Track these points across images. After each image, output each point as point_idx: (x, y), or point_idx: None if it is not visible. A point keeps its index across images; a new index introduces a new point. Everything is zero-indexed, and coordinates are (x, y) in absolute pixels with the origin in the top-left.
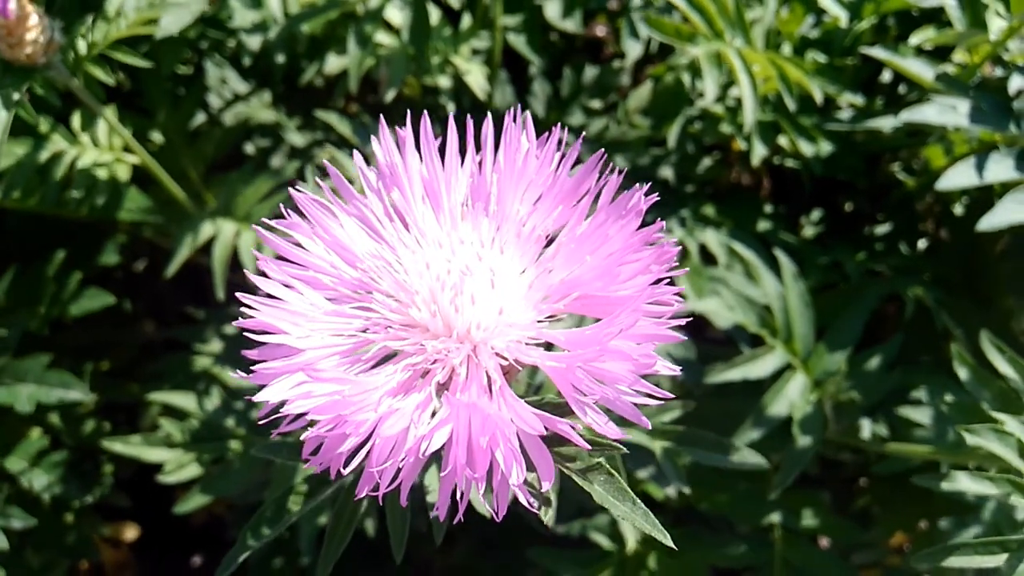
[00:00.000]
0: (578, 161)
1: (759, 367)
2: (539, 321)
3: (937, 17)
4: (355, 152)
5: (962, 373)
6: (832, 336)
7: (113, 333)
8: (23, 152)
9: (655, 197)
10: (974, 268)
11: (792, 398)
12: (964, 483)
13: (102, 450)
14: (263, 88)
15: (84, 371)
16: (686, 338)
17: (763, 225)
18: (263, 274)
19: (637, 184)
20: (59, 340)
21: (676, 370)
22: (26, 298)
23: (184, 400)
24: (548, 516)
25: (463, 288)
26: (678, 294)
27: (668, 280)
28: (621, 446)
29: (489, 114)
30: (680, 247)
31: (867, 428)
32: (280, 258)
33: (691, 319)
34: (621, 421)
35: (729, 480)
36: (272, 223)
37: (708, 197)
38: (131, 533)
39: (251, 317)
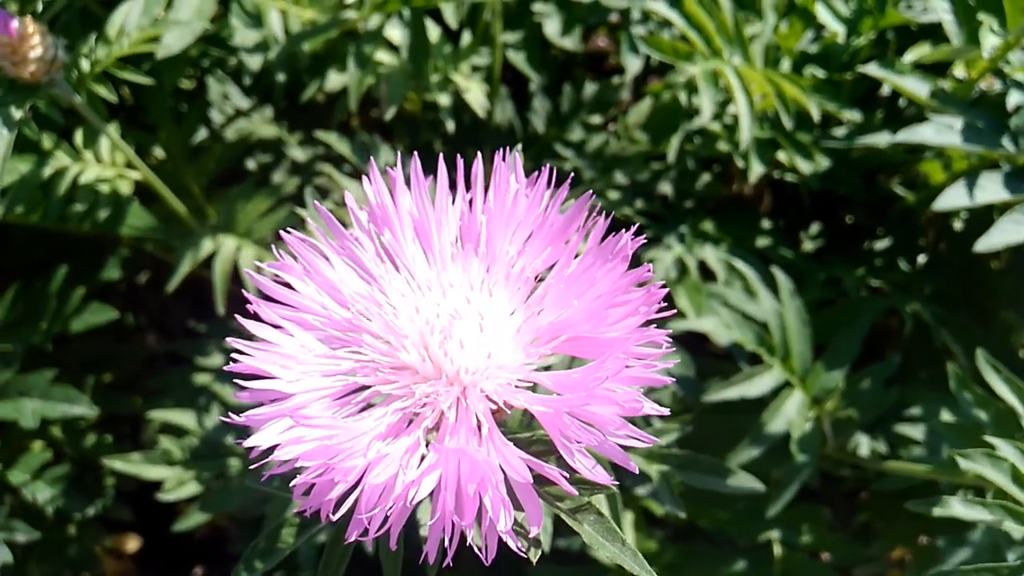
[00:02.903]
0: (573, 185)
1: (756, 385)
2: (528, 363)
3: (936, 32)
4: (347, 194)
5: (957, 393)
6: (830, 354)
7: (116, 346)
8: (26, 168)
9: (642, 239)
10: (974, 283)
11: (790, 416)
12: (957, 508)
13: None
14: (265, 104)
15: (86, 384)
16: (667, 375)
17: (762, 241)
18: (255, 316)
19: (630, 221)
20: (62, 353)
21: (663, 411)
22: (29, 313)
23: (183, 417)
24: (535, 556)
25: (452, 332)
26: (677, 312)
27: (658, 322)
28: (612, 487)
29: (479, 154)
30: (679, 265)
31: (866, 445)
32: (272, 300)
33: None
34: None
35: (729, 496)
36: (263, 265)
37: (708, 211)
38: (133, 545)
39: (241, 362)
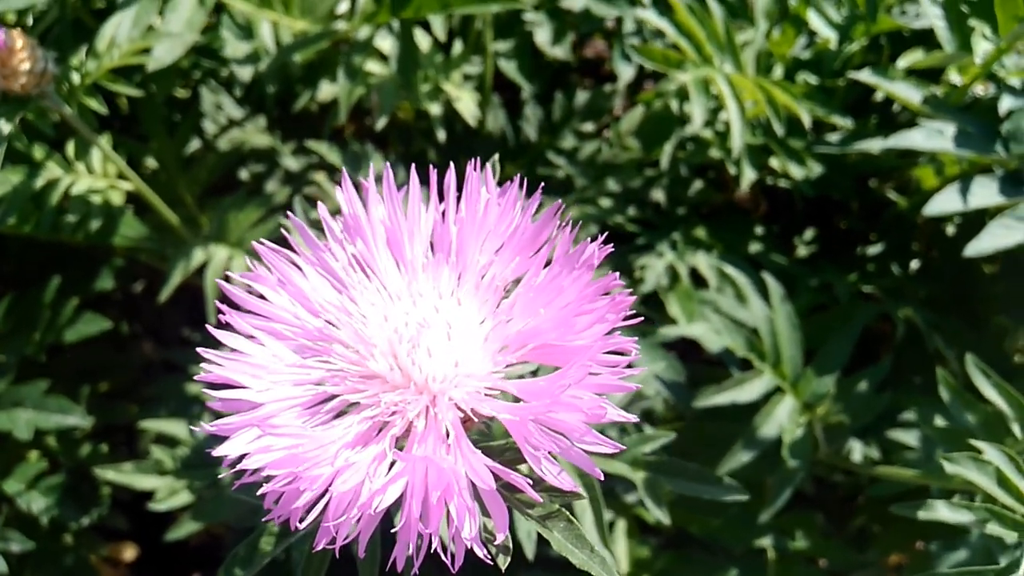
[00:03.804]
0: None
1: (747, 391)
2: (495, 372)
3: (929, 38)
4: (320, 205)
5: (947, 397)
6: (821, 359)
7: (112, 355)
8: (18, 179)
9: (609, 248)
10: (966, 288)
11: (781, 421)
12: (943, 511)
13: None
14: (258, 114)
15: (82, 394)
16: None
17: (754, 247)
18: (228, 326)
19: (591, 237)
20: (58, 363)
21: (631, 418)
22: (23, 324)
23: (175, 427)
24: (504, 562)
25: (420, 341)
26: (669, 318)
27: (641, 328)
28: (579, 493)
29: (452, 164)
30: (670, 272)
31: (858, 450)
32: (245, 310)
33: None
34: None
35: (720, 503)
36: (235, 276)
37: (702, 217)
38: (130, 553)
39: (211, 371)
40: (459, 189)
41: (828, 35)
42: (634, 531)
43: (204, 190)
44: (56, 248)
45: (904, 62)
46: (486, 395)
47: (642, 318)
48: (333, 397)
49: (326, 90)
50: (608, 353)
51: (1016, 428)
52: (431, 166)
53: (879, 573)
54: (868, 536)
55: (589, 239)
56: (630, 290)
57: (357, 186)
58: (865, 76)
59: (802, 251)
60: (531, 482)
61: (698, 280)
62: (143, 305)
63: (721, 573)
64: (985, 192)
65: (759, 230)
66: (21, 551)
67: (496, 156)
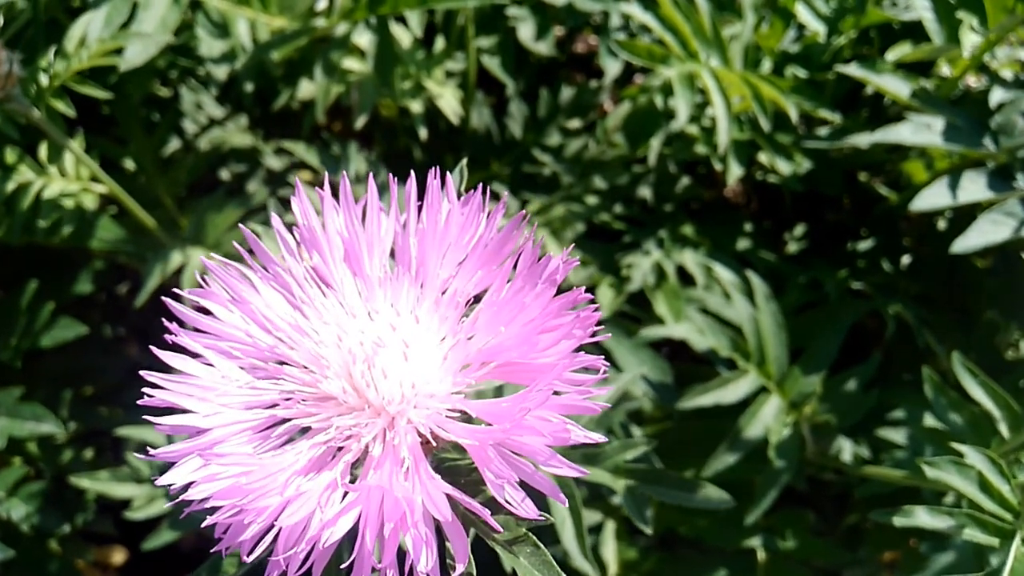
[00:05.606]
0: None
1: (732, 391)
2: (456, 392)
3: (918, 30)
4: (273, 216)
5: (932, 397)
6: (807, 358)
7: (97, 358)
8: None
9: (575, 261)
10: (958, 284)
11: (767, 421)
12: (922, 518)
13: None
14: (239, 113)
15: (64, 398)
16: (601, 409)
17: (743, 244)
18: (178, 347)
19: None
20: (40, 367)
21: (599, 438)
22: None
23: (152, 435)
24: None
25: (375, 361)
26: (655, 318)
27: (594, 344)
28: (549, 518)
29: (413, 173)
30: (657, 270)
31: (848, 449)
32: (196, 329)
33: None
34: (585, 457)
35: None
36: (185, 293)
37: (692, 214)
38: (119, 557)
39: (155, 396)
40: (421, 197)
41: (817, 28)
42: (623, 533)
43: (186, 191)
44: (35, 252)
45: (892, 55)
46: (447, 416)
47: (609, 335)
48: (286, 420)
49: (306, 88)
50: (578, 370)
51: (1003, 428)
52: (414, 165)
53: (873, 570)
54: (861, 534)
55: (550, 255)
56: (596, 305)
57: (335, 189)
58: (852, 70)
59: (792, 247)
60: (490, 511)
61: (686, 278)
62: (128, 307)
63: (710, 573)
64: (973, 187)
65: (748, 227)
66: (3, 559)
67: (464, 161)
